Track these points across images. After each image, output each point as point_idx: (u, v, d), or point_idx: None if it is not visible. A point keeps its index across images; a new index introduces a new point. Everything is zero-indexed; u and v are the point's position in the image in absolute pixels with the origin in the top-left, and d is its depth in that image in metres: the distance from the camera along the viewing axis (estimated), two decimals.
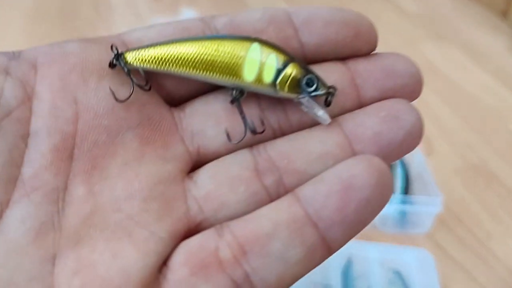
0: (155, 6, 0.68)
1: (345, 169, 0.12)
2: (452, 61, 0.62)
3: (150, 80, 0.13)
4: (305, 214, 0.11)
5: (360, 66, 0.13)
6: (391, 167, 0.39)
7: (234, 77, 0.13)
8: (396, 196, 0.35)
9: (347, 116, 0.13)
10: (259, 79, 0.13)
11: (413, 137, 0.12)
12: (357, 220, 0.11)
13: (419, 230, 0.35)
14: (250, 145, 0.13)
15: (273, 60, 0.13)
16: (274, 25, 0.13)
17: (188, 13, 0.63)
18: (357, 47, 0.13)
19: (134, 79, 0.13)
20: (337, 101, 0.13)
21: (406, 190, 0.36)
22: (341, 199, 0.11)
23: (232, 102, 0.13)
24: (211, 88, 0.14)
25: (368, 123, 0.12)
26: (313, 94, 0.12)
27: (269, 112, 0.13)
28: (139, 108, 0.13)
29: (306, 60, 0.14)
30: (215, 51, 0.13)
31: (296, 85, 0.12)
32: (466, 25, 0.73)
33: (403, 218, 0.35)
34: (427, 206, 0.35)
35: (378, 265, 0.31)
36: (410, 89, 0.13)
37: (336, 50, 0.13)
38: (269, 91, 0.13)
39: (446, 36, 0.68)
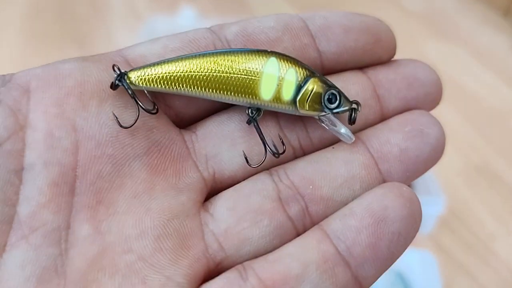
0: (153, 4, 0.68)
1: (375, 200, 0.11)
2: (454, 60, 0.61)
3: (157, 101, 0.12)
4: (336, 252, 0.11)
5: (381, 75, 0.13)
6: None
7: (250, 96, 0.12)
8: None
9: (370, 132, 0.12)
10: (277, 97, 0.12)
11: (437, 152, 0.12)
12: (390, 255, 0.11)
13: (422, 231, 0.35)
14: (269, 167, 0.12)
15: (292, 76, 0.12)
16: (289, 33, 0.13)
17: (187, 11, 0.62)
18: (377, 55, 0.13)
19: (140, 102, 0.12)
20: (360, 114, 0.12)
21: None
22: (373, 234, 0.11)
23: (248, 122, 0.12)
24: (224, 106, 0.13)
25: (393, 140, 0.12)
26: (335, 111, 0.12)
27: (288, 129, 0.13)
28: (146, 133, 0.12)
29: (324, 70, 0.13)
30: (228, 68, 0.12)
31: (317, 102, 0.12)
32: (468, 24, 0.72)
33: None
34: (430, 207, 0.34)
35: None
36: (432, 98, 0.13)
37: (355, 58, 0.13)
38: (289, 110, 0.12)
39: (448, 35, 0.68)
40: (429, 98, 0.13)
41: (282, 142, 0.12)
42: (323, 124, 0.12)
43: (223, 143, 0.12)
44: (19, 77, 0.12)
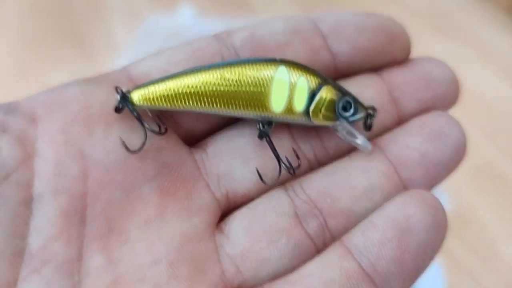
0: (152, 3, 0.67)
1: (398, 210, 0.11)
2: (458, 59, 0.60)
3: (165, 120, 0.12)
4: (359, 268, 0.10)
5: (397, 76, 0.12)
6: None
7: (261, 109, 0.11)
8: None
9: (387, 137, 0.12)
10: (289, 108, 0.11)
11: (459, 153, 0.11)
12: (416, 268, 0.10)
13: None
14: (284, 181, 0.12)
15: (304, 85, 0.11)
16: (300, 36, 0.12)
17: (186, 9, 0.62)
18: (392, 55, 0.12)
19: (146, 124, 0.12)
20: (376, 119, 0.12)
21: None
22: (398, 247, 0.10)
23: (260, 137, 0.12)
24: (233, 120, 0.13)
25: (412, 144, 0.11)
26: (351, 119, 0.11)
27: (302, 141, 0.12)
28: (155, 155, 0.12)
29: (337, 72, 0.12)
30: (235, 81, 0.11)
31: (331, 110, 0.11)
32: (471, 23, 0.71)
33: None
34: None
35: None
36: (449, 97, 0.12)
37: (369, 59, 0.12)
38: (302, 121, 0.12)
39: (452, 33, 0.67)
40: (446, 97, 0.12)
41: (297, 156, 0.12)
42: (338, 134, 0.12)
43: (235, 160, 0.12)
44: (25, 105, 0.12)
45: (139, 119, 0.11)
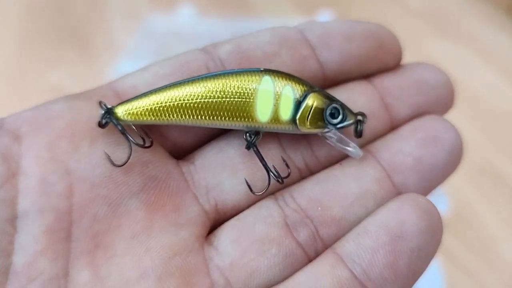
0: (152, 3, 0.67)
1: (391, 216, 0.10)
2: (458, 58, 0.60)
3: (151, 133, 0.12)
4: (352, 277, 0.10)
5: (388, 82, 0.12)
6: None
7: (247, 120, 0.11)
8: None
9: (380, 143, 0.12)
10: (275, 117, 0.11)
11: (455, 158, 0.11)
12: (411, 273, 0.10)
13: None
14: (274, 191, 0.12)
15: (289, 93, 0.11)
16: (287, 47, 0.12)
17: (186, 9, 0.62)
18: (382, 61, 0.12)
19: (131, 137, 0.11)
20: (368, 126, 0.12)
21: None
22: (391, 252, 0.10)
23: (247, 147, 0.12)
24: (222, 131, 0.12)
25: (405, 149, 0.11)
26: (339, 126, 0.11)
27: (292, 149, 0.12)
28: (141, 169, 0.12)
29: (327, 81, 0.12)
30: (220, 92, 0.11)
31: (319, 118, 0.11)
32: (471, 22, 0.71)
33: None
34: None
35: None
36: (444, 101, 0.12)
37: (359, 66, 0.12)
38: (289, 129, 0.11)
39: (451, 33, 0.67)
40: (440, 102, 0.12)
41: (286, 165, 0.12)
42: (328, 141, 0.11)
43: (224, 171, 0.12)
44: (10, 122, 0.12)
45: (124, 133, 0.11)
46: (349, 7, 0.71)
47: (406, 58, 0.62)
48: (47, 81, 0.48)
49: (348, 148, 0.11)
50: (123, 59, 0.47)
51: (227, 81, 0.11)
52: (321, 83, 0.12)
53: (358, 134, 0.11)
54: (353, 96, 0.12)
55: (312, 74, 0.12)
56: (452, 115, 0.55)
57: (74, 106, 0.12)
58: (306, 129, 0.11)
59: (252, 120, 0.11)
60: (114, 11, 0.63)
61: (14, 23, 0.58)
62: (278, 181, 0.11)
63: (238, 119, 0.11)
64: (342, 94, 0.12)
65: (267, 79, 0.11)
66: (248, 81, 0.11)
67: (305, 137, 0.12)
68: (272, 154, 0.12)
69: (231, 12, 0.64)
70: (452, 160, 0.11)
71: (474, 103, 0.51)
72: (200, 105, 0.11)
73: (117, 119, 0.11)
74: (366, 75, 0.12)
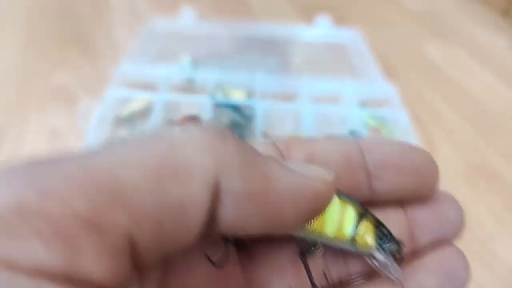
0: (153, 6, 0.68)
1: None
2: (454, 60, 0.61)
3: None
4: None
5: (419, 214, 0.13)
6: None
7: (317, 231, 0.12)
8: None
9: (407, 271, 0.12)
10: (339, 233, 0.12)
11: None
12: None
13: None
14: None
15: (352, 213, 0.12)
16: (349, 170, 0.12)
17: (187, 12, 0.63)
18: (420, 194, 0.13)
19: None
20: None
21: None
22: None
23: (302, 255, 0.12)
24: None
25: (428, 284, 0.12)
26: (387, 248, 0.12)
27: (331, 263, 0.12)
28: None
29: (371, 203, 0.13)
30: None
31: (371, 239, 0.12)
32: (468, 24, 0.72)
33: None
34: None
35: None
36: (456, 236, 0.13)
37: (401, 197, 0.13)
38: (347, 245, 0.12)
39: (448, 35, 0.68)
40: (454, 236, 0.13)
41: (326, 278, 0.12)
42: (373, 261, 0.12)
43: (275, 272, 0.12)
44: None
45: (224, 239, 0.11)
46: (349, 11, 0.72)
47: (405, 58, 0.63)
48: (52, 81, 0.49)
49: (391, 270, 0.11)
50: (126, 60, 0.48)
51: None
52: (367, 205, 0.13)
53: (399, 260, 0.12)
54: (387, 221, 0.12)
55: (360, 197, 0.13)
56: (449, 115, 0.56)
57: None
58: (360, 247, 0.12)
59: (321, 232, 0.12)
60: (118, 14, 0.64)
61: (19, 26, 0.59)
62: None
63: (311, 232, 0.12)
64: (378, 216, 0.12)
65: (336, 199, 0.12)
66: None
67: (344, 253, 0.12)
68: (316, 264, 0.12)
69: (231, 15, 0.65)
70: None
71: (471, 103, 0.52)
72: None
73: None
74: (401, 201, 0.13)
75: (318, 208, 0.10)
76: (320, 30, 0.60)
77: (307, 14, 0.68)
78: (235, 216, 0.08)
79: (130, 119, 0.42)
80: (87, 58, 0.53)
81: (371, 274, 0.12)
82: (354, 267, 0.12)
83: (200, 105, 0.46)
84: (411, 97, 0.53)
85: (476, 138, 0.46)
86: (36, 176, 0.07)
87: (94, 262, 0.06)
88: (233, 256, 0.11)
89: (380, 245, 0.12)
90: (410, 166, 0.12)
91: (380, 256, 0.12)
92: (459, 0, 0.80)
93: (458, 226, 0.13)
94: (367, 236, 0.12)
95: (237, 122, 0.42)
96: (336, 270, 0.12)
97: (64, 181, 0.06)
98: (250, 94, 0.46)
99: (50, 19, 0.61)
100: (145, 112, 0.42)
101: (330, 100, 0.49)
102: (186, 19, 0.60)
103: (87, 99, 0.41)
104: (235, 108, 0.41)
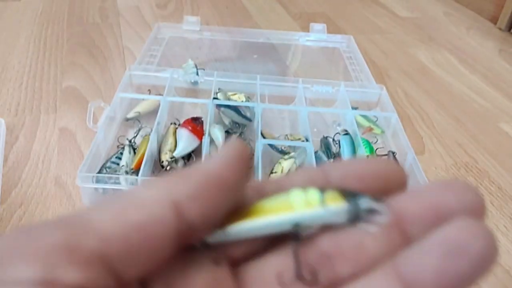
0: (159, 12, 0.71)
1: None
2: (443, 63, 0.64)
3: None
4: None
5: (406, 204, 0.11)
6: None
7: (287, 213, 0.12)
8: None
9: (401, 257, 0.10)
10: (308, 205, 0.12)
11: (482, 267, 0.09)
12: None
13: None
14: None
15: (313, 190, 0.12)
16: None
17: (191, 19, 0.65)
18: (388, 192, 0.12)
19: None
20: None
21: None
22: None
23: (295, 238, 0.12)
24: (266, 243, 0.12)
25: (428, 264, 0.09)
26: (360, 196, 0.11)
27: (320, 265, 0.11)
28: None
29: None
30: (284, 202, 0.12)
31: (339, 197, 0.12)
32: (458, 30, 0.75)
33: None
34: None
35: None
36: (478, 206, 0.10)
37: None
38: (319, 214, 0.12)
39: (438, 39, 0.70)
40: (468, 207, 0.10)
41: (314, 276, 0.11)
42: (360, 203, 0.11)
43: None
44: None
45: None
46: (344, 19, 0.74)
47: (397, 62, 0.66)
48: (62, 84, 0.50)
49: (376, 211, 0.11)
50: (133, 64, 0.50)
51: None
52: None
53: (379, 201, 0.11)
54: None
55: None
56: (439, 116, 0.58)
57: None
58: (333, 207, 0.12)
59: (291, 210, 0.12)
60: (125, 21, 0.67)
61: (29, 28, 0.61)
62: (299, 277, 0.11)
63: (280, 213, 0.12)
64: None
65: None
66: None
67: (330, 257, 0.11)
68: (305, 260, 0.11)
69: (233, 23, 0.68)
70: (478, 271, 0.09)
71: (460, 104, 0.54)
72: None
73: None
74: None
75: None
76: (316, 36, 0.63)
77: (304, 24, 0.71)
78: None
79: (137, 120, 0.44)
80: (96, 62, 0.54)
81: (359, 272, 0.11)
82: (341, 268, 0.11)
83: (203, 107, 0.49)
84: (402, 99, 0.55)
85: (464, 137, 0.48)
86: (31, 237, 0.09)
87: (66, 271, 0.09)
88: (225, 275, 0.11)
89: (352, 195, 0.11)
90: (372, 174, 0.12)
91: (361, 202, 0.11)
92: (448, 7, 0.83)
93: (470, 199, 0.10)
94: (336, 196, 0.12)
95: (237, 123, 0.44)
96: (324, 273, 0.11)
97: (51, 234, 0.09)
98: (250, 96, 0.48)
99: (59, 25, 0.64)
100: (151, 114, 0.44)
101: (325, 102, 0.51)
102: (190, 25, 0.62)
103: (96, 101, 0.43)
104: (236, 110, 0.43)
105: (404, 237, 0.11)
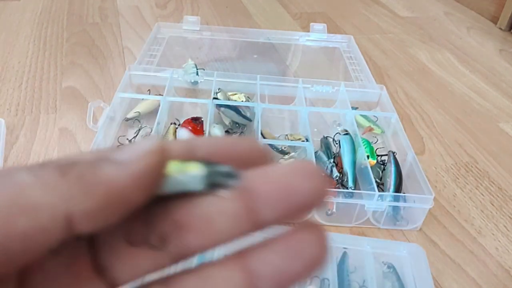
0: (159, 12, 0.71)
1: None
2: (444, 63, 0.64)
3: None
4: None
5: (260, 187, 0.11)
6: (385, 165, 0.41)
7: None
8: (389, 193, 0.36)
9: (250, 249, 0.11)
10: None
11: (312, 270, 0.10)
12: None
13: (412, 226, 0.37)
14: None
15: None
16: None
17: (190, 19, 0.65)
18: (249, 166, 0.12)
19: None
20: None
21: (399, 187, 0.37)
22: None
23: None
24: None
25: (272, 260, 0.10)
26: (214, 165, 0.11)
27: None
28: None
29: None
30: None
31: (195, 165, 0.11)
32: (458, 29, 0.75)
33: (396, 215, 0.37)
34: (419, 203, 0.36)
35: (372, 259, 0.32)
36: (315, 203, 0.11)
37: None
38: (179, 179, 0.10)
39: (439, 39, 0.71)
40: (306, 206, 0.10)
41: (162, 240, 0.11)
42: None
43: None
44: None
45: None
46: (344, 19, 0.74)
47: (397, 63, 0.66)
48: (62, 84, 0.50)
49: (233, 178, 0.10)
50: (133, 64, 0.50)
51: None
52: None
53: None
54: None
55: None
56: (440, 115, 0.58)
57: None
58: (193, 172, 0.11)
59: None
60: (123, 20, 0.67)
61: (29, 28, 0.62)
62: None
63: None
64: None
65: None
66: None
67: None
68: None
69: (233, 23, 0.68)
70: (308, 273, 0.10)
71: (460, 104, 0.54)
72: None
73: None
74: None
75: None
76: (316, 36, 0.63)
77: (304, 22, 0.71)
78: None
79: (137, 120, 0.44)
80: (96, 62, 0.54)
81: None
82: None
83: (203, 107, 0.49)
84: (402, 99, 0.55)
85: (464, 137, 0.48)
86: None
87: None
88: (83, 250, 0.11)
89: (210, 164, 0.11)
90: (222, 148, 0.12)
91: (218, 167, 0.11)
92: (449, 7, 0.83)
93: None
94: (193, 164, 0.11)
95: (237, 123, 0.44)
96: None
97: None
98: (250, 96, 0.48)
99: (59, 24, 0.64)
100: (151, 114, 0.44)
101: (325, 102, 0.51)
102: (190, 26, 0.62)
103: (96, 101, 0.43)
104: (236, 110, 0.43)
105: (252, 215, 0.11)
